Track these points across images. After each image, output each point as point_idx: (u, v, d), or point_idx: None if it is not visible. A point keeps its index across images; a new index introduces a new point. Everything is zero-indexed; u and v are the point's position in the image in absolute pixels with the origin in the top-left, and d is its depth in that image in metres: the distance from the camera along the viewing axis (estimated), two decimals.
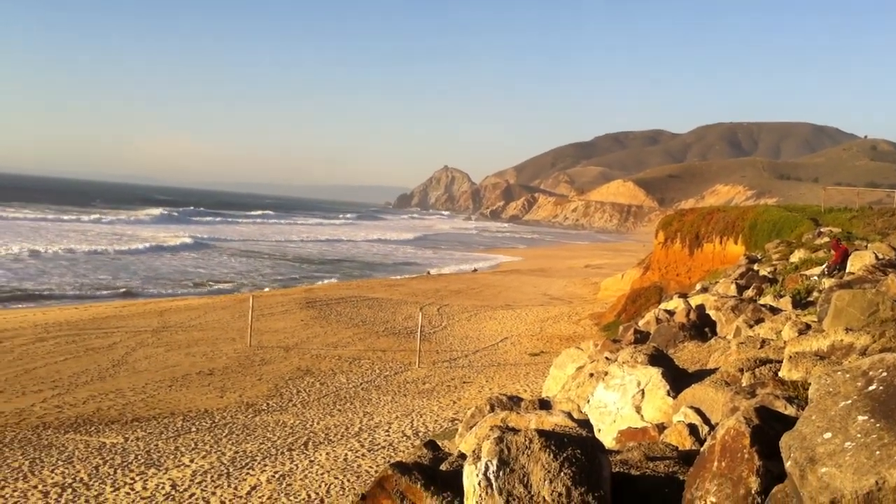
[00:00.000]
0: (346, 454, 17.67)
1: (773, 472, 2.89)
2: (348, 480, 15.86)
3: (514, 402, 7.00)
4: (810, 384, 3.51)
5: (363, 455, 17.66)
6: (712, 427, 4.66)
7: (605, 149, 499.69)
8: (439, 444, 5.86)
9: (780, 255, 24.50)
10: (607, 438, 5.66)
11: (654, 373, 6.17)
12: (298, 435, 19.29)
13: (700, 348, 9.45)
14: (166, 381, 24.60)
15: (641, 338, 11.27)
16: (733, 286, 16.99)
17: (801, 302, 12.45)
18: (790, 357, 5.49)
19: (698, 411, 4.97)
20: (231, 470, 16.36)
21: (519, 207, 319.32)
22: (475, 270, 74.81)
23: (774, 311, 11.38)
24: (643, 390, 6.16)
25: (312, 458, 17.30)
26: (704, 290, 18.95)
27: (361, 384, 25.83)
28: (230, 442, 18.46)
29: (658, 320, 12.61)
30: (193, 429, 19.61)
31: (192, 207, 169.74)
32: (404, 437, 19.16)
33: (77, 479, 15.54)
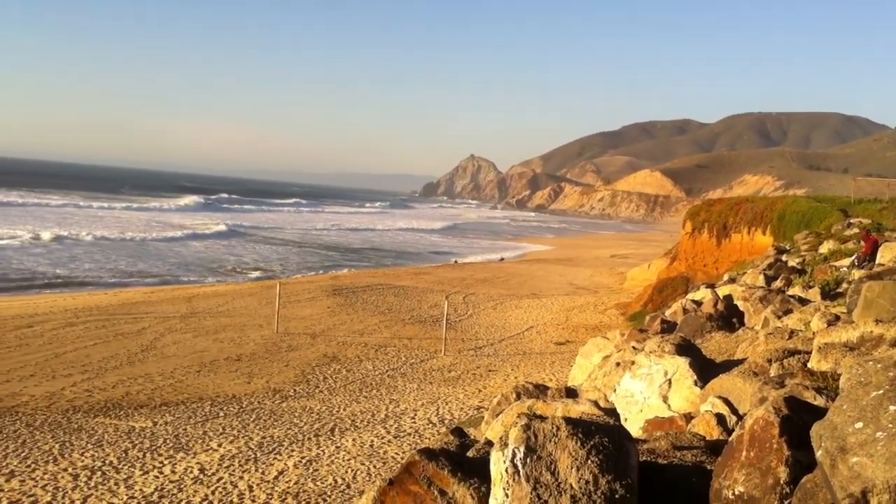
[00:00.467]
0: (372, 440, 17.76)
1: (801, 463, 2.89)
2: (374, 466, 15.94)
3: (540, 391, 7.01)
4: (840, 375, 3.50)
5: (389, 441, 17.74)
6: (740, 417, 4.65)
7: (632, 138, 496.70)
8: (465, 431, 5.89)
9: (809, 246, 24.30)
10: (634, 428, 5.66)
11: (682, 362, 6.16)
12: (325, 421, 19.41)
13: (727, 339, 9.40)
14: (194, 366, 24.81)
15: (668, 328, 11.23)
16: (761, 277, 16.88)
17: (830, 293, 12.35)
18: (819, 348, 5.47)
19: (726, 401, 4.96)
20: (258, 455, 16.50)
21: (545, 197, 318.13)
22: (502, 259, 74.74)
23: (803, 302, 11.29)
24: (670, 380, 6.15)
25: (339, 444, 17.40)
26: (732, 280, 18.83)
27: (387, 371, 25.92)
28: (257, 427, 18.60)
29: (685, 310, 12.56)
30: (221, 414, 19.79)
31: (225, 195, 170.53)
32: (430, 425, 19.22)
33: (106, 462, 15.73)
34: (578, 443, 3.10)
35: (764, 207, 42.70)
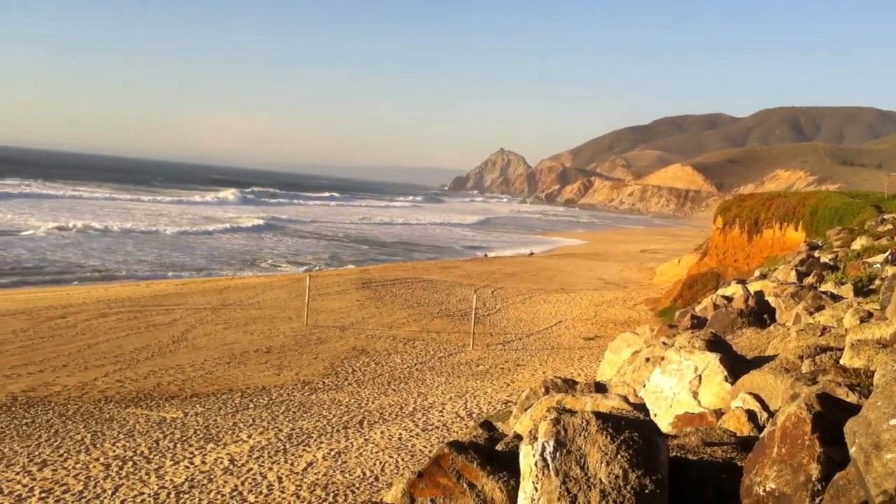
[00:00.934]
0: (400, 433, 17.83)
1: (834, 460, 2.87)
2: (402, 459, 16.01)
3: (568, 385, 7.00)
4: (873, 371, 3.47)
5: (417, 434, 17.80)
6: (771, 414, 4.62)
7: (663, 132, 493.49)
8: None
9: (842, 242, 24.02)
10: (663, 423, 5.63)
11: (712, 358, 6.12)
12: (354, 413, 19.50)
13: (758, 335, 9.33)
14: (225, 357, 25.01)
15: (698, 323, 11.16)
16: (793, 273, 16.71)
17: (863, 290, 12.21)
18: (852, 345, 5.41)
19: (757, 398, 4.93)
20: (288, 446, 16.62)
21: (574, 191, 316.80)
22: (531, 254, 74.62)
23: (835, 298, 11.18)
24: (700, 376, 6.11)
25: (367, 437, 17.49)
26: (763, 276, 18.66)
27: (416, 365, 25.99)
28: (287, 419, 18.73)
29: (716, 306, 12.46)
30: (251, 405, 19.94)
31: (261, 189, 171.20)
32: (458, 418, 19.26)
33: (138, 452, 15.91)
34: (608, 437, 3.09)
35: (796, 203, 42.27)
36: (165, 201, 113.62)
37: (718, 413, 5.15)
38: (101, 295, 34.43)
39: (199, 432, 17.35)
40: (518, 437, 4.28)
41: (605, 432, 3.11)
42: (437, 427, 18.49)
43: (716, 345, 6.70)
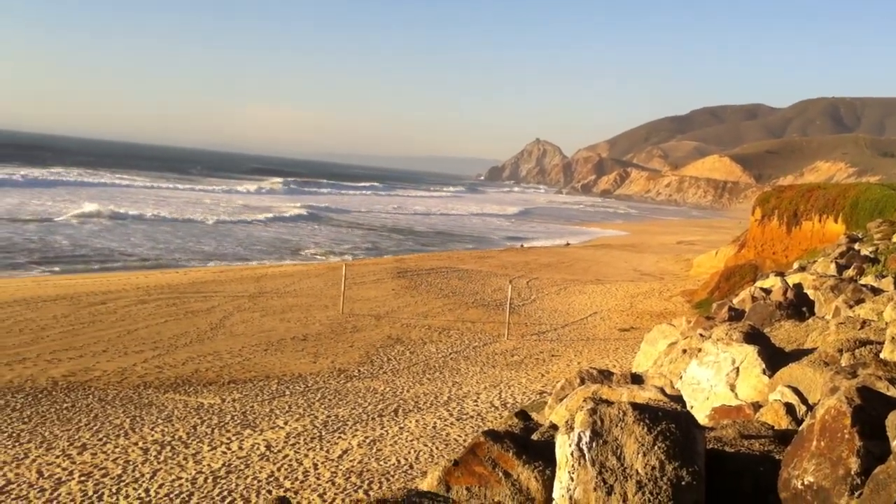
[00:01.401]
0: (434, 422, 17.89)
1: (873, 454, 2.85)
2: (437, 448, 16.07)
3: (604, 376, 7.00)
4: None
5: (452, 424, 17.86)
6: (810, 407, 4.59)
7: (701, 123, 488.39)
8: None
9: (883, 235, 23.67)
10: (700, 416, 5.61)
11: (750, 351, 6.08)
12: (389, 402, 19.60)
13: (797, 328, 9.25)
14: (262, 345, 25.23)
15: (736, 315, 11.07)
16: (833, 265, 16.51)
17: None
18: (893, 338, 5.36)
19: (795, 391, 4.90)
20: (323, 433, 16.75)
21: (611, 182, 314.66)
22: (567, 244, 74.38)
23: (876, 291, 11.04)
24: (738, 368, 6.08)
25: (402, 425, 17.57)
26: (802, 268, 18.46)
27: (450, 354, 26.04)
28: (323, 406, 18.87)
29: (754, 298, 12.36)
30: (287, 392, 20.10)
31: (304, 179, 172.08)
32: (492, 408, 19.29)
33: (176, 437, 16.11)
34: (645, 428, 3.09)
35: (836, 195, 41.68)
36: (206, 190, 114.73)
37: (756, 406, 5.12)
38: (140, 282, 34.84)
39: (236, 418, 17.54)
40: (554, 427, 4.29)
41: (641, 423, 3.11)
42: (472, 416, 18.53)
43: (754, 337, 6.65)
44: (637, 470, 3.03)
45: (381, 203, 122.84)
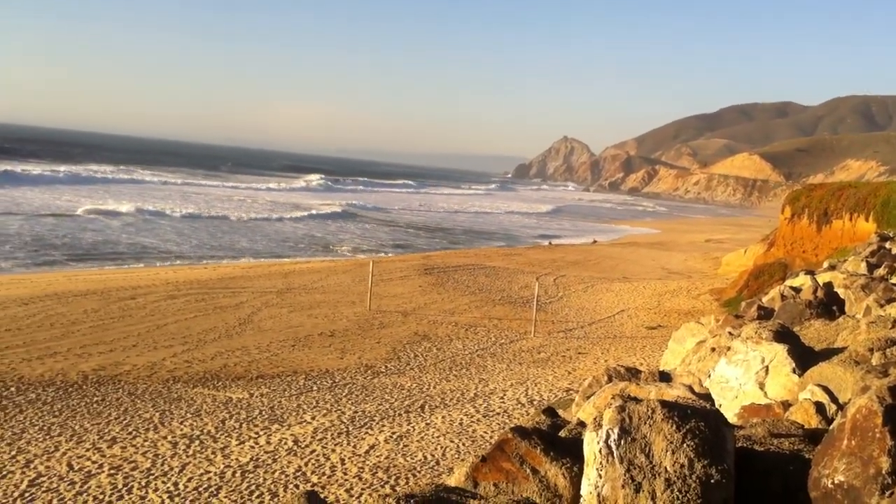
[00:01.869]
0: (461, 419, 17.92)
1: None
2: (463, 444, 16.10)
3: (632, 374, 6.98)
4: None
5: (478, 420, 17.87)
6: (840, 406, 4.56)
7: (730, 121, 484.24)
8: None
9: None
10: (728, 414, 5.59)
11: (780, 349, 6.04)
12: (415, 398, 19.65)
13: (827, 327, 9.17)
14: (289, 340, 25.36)
15: (765, 314, 11.00)
16: (863, 264, 16.35)
17: None
18: None
19: (826, 390, 4.86)
20: (350, 429, 16.82)
21: (639, 180, 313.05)
22: (594, 242, 74.14)
23: None
24: (767, 367, 6.04)
25: (429, 421, 17.61)
26: (832, 267, 18.29)
27: (477, 351, 26.05)
28: (350, 402, 18.95)
29: (783, 297, 12.27)
30: (315, 387, 20.20)
31: (336, 176, 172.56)
32: (519, 405, 19.28)
33: (204, 431, 16.25)
34: (674, 426, 3.09)
35: (867, 193, 41.24)
36: (237, 187, 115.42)
37: (786, 405, 5.10)
38: (169, 277, 35.13)
39: (264, 413, 17.66)
40: (581, 424, 4.29)
41: (670, 421, 3.10)
42: (498, 413, 18.54)
43: (783, 336, 6.61)
44: (666, 467, 3.03)
45: (415, 201, 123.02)
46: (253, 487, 13.47)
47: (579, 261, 54.29)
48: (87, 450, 14.83)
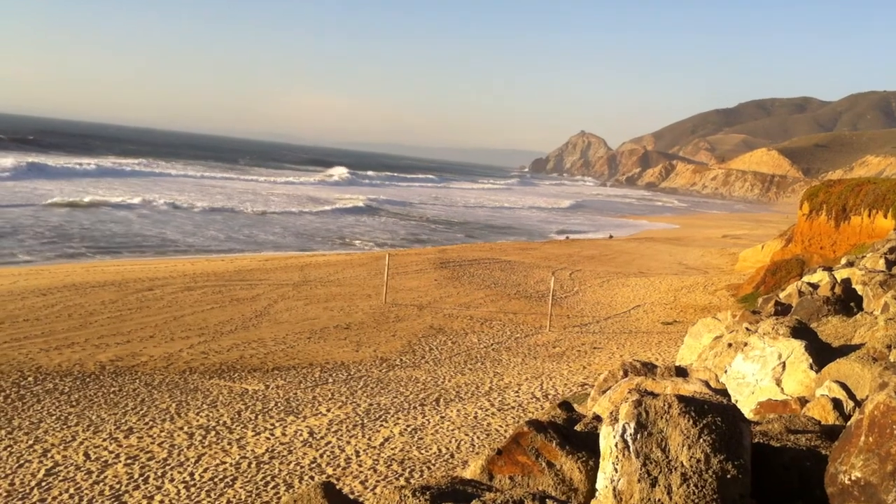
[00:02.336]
0: (476, 412, 17.94)
1: None
2: (478, 438, 16.11)
3: (648, 369, 6.97)
4: None
5: (493, 414, 17.89)
6: (857, 403, 4.54)
7: (748, 116, 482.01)
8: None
9: None
10: (745, 410, 5.57)
11: (797, 345, 6.02)
12: (430, 391, 19.68)
13: (845, 323, 9.14)
14: (305, 332, 25.44)
15: (782, 310, 10.97)
16: (882, 261, 16.25)
17: None
18: None
19: (843, 386, 4.85)
20: (365, 421, 16.87)
21: (656, 175, 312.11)
22: (610, 237, 73.98)
23: None
24: (784, 363, 6.02)
25: (443, 415, 17.64)
26: (850, 264, 18.19)
27: (492, 345, 26.05)
28: (365, 394, 19.00)
29: (801, 293, 12.22)
30: (330, 380, 20.27)
31: (356, 171, 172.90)
32: (534, 399, 19.28)
33: (220, 422, 16.33)
34: (691, 421, 3.09)
35: (886, 189, 40.94)
36: (257, 180, 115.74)
37: (802, 401, 5.08)
38: (186, 269, 35.28)
39: (279, 405, 17.73)
40: (597, 418, 4.29)
41: (687, 416, 3.10)
42: (513, 407, 18.54)
43: (801, 332, 6.59)
44: (682, 462, 3.03)
45: (438, 196, 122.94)
46: (268, 478, 13.53)
47: (595, 256, 54.20)
48: (104, 440, 14.94)
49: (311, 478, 13.63)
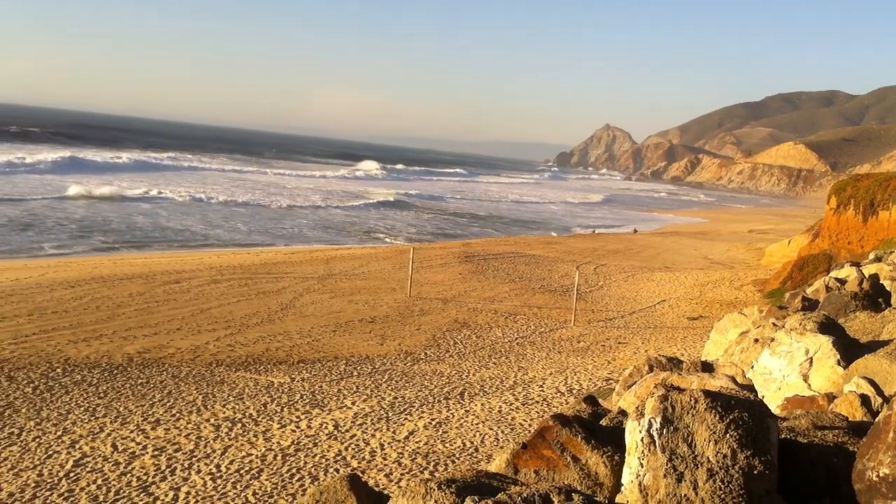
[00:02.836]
0: (500, 406, 17.94)
1: None
2: (502, 432, 16.12)
3: (673, 364, 6.94)
4: None
5: (517, 408, 17.88)
6: (885, 399, 4.52)
7: (775, 109, 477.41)
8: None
9: None
10: (771, 406, 5.54)
11: (824, 341, 5.99)
12: (455, 385, 19.71)
13: (872, 319, 9.06)
14: (330, 326, 25.54)
15: (809, 305, 10.89)
16: None
17: None
18: None
19: (871, 382, 4.82)
20: (390, 414, 16.92)
21: (681, 169, 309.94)
22: (635, 231, 73.65)
23: None
24: (811, 359, 5.99)
25: (468, 408, 17.66)
26: (879, 259, 18.03)
27: (516, 339, 26.04)
28: (389, 388, 19.06)
29: (828, 288, 12.13)
30: (355, 373, 20.35)
31: (386, 165, 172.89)
32: (558, 394, 19.25)
33: (246, 414, 16.44)
34: (717, 416, 3.08)
35: None
36: (285, 174, 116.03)
37: (830, 397, 5.06)
38: (213, 262, 35.50)
39: (305, 397, 17.83)
40: (623, 413, 4.29)
41: (713, 411, 3.10)
42: (537, 401, 18.53)
43: (828, 327, 6.55)
44: (708, 458, 3.02)
45: (471, 190, 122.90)
46: (294, 471, 13.62)
47: (620, 250, 54.00)
48: (132, 431, 15.08)
49: (336, 470, 13.70)
